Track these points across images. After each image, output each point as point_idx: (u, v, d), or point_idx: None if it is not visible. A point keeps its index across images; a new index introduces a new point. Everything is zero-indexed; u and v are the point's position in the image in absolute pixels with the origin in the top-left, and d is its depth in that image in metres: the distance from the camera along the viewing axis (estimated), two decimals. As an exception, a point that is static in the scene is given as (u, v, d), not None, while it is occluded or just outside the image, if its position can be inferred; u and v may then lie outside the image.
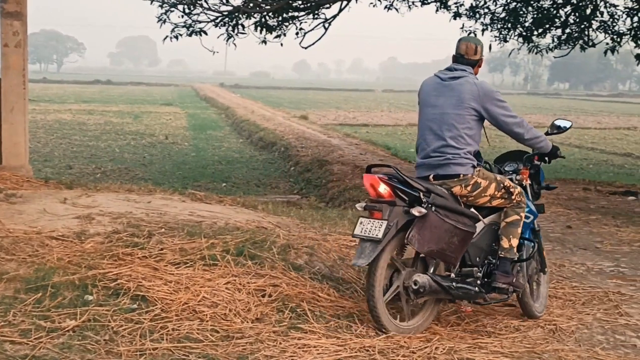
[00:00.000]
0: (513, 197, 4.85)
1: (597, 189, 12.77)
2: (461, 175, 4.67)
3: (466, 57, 4.88)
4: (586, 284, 6.28)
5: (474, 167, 4.73)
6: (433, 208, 4.48)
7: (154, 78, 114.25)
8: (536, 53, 15.45)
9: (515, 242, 4.86)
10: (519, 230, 4.89)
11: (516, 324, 5.03)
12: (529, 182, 5.26)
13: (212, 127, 29.52)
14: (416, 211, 4.42)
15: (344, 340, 4.23)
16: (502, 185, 4.83)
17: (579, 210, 10.20)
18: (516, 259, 4.94)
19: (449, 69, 4.91)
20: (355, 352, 4.09)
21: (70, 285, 4.45)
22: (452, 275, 4.70)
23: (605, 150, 23.42)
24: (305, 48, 11.73)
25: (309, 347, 4.08)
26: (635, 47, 14.92)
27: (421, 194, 4.49)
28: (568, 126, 5.43)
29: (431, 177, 4.70)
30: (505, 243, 4.83)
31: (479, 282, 4.79)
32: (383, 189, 4.47)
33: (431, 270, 4.62)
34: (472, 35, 13.82)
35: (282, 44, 12.53)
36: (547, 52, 15.60)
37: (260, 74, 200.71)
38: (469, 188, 4.71)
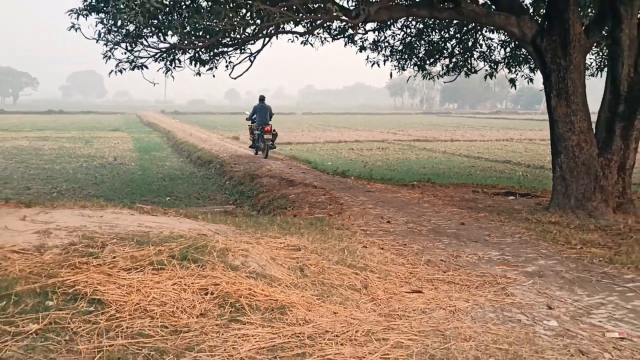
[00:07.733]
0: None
1: (484, 191, 13.09)
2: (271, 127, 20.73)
3: (264, 98, 20.83)
4: (478, 270, 6.41)
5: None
6: (275, 131, 20.60)
7: (102, 107, 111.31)
8: (429, 79, 15.78)
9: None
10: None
11: (422, 307, 5.08)
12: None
13: (155, 148, 28.95)
14: (271, 133, 20.35)
15: (277, 328, 4.19)
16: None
17: (469, 210, 10.43)
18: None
19: (262, 102, 20.66)
20: (288, 338, 4.06)
21: (31, 292, 4.25)
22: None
23: (489, 159, 23.98)
24: (235, 78, 11.62)
25: (248, 337, 4.02)
26: (508, 72, 15.48)
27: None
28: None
29: (265, 128, 20.23)
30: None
31: None
32: (268, 128, 20.25)
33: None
34: (374, 65, 14.73)
35: (214, 75, 12.45)
36: (438, 78, 15.97)
37: (196, 101, 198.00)
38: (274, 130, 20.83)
